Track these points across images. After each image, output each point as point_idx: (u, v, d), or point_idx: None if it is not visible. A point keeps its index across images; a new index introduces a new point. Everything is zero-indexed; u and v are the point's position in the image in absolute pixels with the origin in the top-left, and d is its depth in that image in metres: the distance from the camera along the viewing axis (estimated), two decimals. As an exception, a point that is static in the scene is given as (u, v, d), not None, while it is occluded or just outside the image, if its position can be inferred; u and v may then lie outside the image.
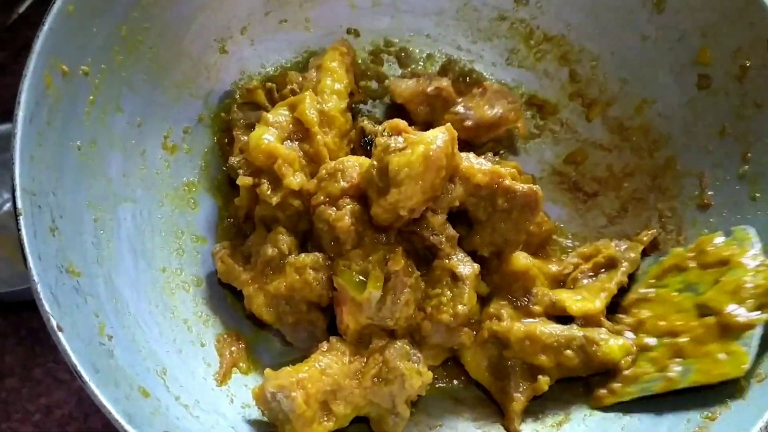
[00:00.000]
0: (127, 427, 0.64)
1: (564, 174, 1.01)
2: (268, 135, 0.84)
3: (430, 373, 0.79)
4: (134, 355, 0.74)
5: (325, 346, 0.80)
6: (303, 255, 0.82)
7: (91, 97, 0.80)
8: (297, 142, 0.86)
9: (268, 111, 0.91)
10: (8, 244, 1.02)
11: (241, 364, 0.84)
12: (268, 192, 0.83)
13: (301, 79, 0.95)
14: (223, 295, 0.89)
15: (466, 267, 0.81)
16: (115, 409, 0.64)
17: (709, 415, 0.73)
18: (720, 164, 0.89)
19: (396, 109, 0.98)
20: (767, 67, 0.85)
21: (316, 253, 0.82)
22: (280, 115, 0.87)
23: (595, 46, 0.99)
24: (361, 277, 0.78)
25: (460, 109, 0.95)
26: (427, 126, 0.87)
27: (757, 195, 0.84)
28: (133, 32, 0.85)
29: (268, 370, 0.77)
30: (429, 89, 0.95)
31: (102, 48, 0.81)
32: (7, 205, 1.07)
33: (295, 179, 0.82)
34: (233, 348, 0.85)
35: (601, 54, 0.99)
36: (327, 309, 0.84)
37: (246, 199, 0.87)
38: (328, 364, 0.76)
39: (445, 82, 0.96)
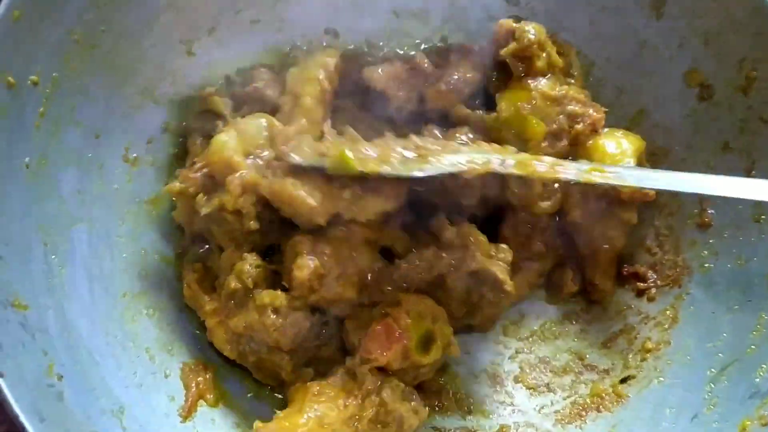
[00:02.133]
0: (74, 483, 0.58)
1: (557, 186, 0.95)
2: (232, 143, 0.77)
3: (426, 410, 0.76)
4: (87, 395, 0.68)
5: (315, 389, 0.74)
6: (265, 293, 0.76)
7: (42, 109, 0.73)
8: (264, 156, 0.78)
9: (225, 120, 0.85)
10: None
11: (208, 396, 0.78)
12: (202, 201, 0.77)
13: (267, 77, 0.88)
14: (191, 320, 0.83)
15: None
16: (62, 463, 0.58)
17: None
18: (722, 181, 0.84)
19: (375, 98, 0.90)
20: (775, 80, 0.79)
21: (280, 292, 0.76)
22: (252, 125, 0.80)
23: (589, 51, 0.93)
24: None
25: (445, 83, 0.88)
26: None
27: (762, 217, 0.79)
28: (88, 36, 0.77)
29: (257, 423, 0.71)
30: (404, 69, 0.89)
31: (53, 55, 0.74)
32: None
33: (235, 200, 0.75)
34: (200, 378, 0.79)
35: (596, 60, 0.92)
36: (291, 351, 0.78)
37: (185, 214, 0.81)
38: (325, 413, 0.72)
39: (418, 57, 0.89)
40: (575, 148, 0.84)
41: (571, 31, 0.92)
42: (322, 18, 0.95)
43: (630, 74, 0.91)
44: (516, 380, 0.86)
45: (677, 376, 0.78)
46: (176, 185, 0.79)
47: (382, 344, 0.74)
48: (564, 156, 0.83)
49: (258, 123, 0.81)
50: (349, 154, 0.73)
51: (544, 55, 0.86)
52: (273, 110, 0.86)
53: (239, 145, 0.78)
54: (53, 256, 0.73)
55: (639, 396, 0.80)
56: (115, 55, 0.81)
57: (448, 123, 0.88)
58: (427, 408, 0.77)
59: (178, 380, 0.78)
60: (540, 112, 0.84)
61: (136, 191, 0.84)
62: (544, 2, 0.92)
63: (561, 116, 0.84)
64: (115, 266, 0.80)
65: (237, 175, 0.76)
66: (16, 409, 0.59)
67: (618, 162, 0.81)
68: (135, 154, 0.85)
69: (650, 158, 0.90)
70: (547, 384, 0.85)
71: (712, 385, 0.74)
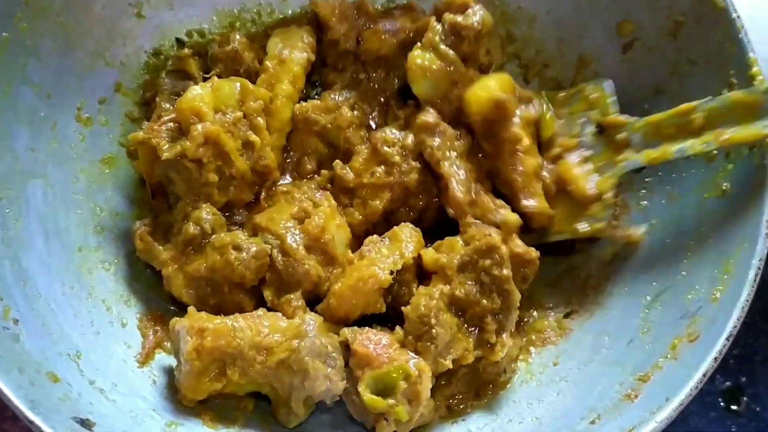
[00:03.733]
0: (29, 413, 0.60)
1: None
2: (205, 96, 0.80)
3: (341, 385, 0.74)
4: (44, 339, 0.70)
5: (260, 311, 0.77)
6: (223, 234, 0.79)
7: (-8, 69, 0.75)
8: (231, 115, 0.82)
9: (197, 82, 0.88)
10: None
11: (165, 344, 0.81)
12: (165, 146, 0.79)
13: (244, 41, 0.91)
14: (147, 274, 0.85)
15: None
16: (17, 395, 0.61)
17: (642, 376, 0.72)
18: (656, 123, 0.88)
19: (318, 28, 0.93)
20: (700, 23, 0.82)
21: (238, 231, 0.79)
22: (226, 85, 0.83)
23: (530, 6, 0.95)
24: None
25: (383, 25, 0.91)
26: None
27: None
28: (38, -1, 0.79)
29: (191, 308, 0.75)
30: (352, 7, 0.92)
31: (2, 15, 0.76)
32: None
33: (196, 148, 0.78)
34: (157, 327, 0.81)
35: (537, 14, 0.96)
36: (253, 289, 0.80)
37: (145, 163, 0.82)
38: (242, 328, 0.73)
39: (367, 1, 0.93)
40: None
41: (512, -14, 0.96)
42: (272, -21, 0.97)
43: (569, 26, 0.94)
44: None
45: (616, 306, 0.82)
46: (140, 134, 0.81)
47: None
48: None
49: (232, 84, 0.84)
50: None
51: (474, 45, 0.88)
52: (246, 74, 0.89)
53: (211, 99, 0.81)
54: (8, 210, 0.75)
55: (581, 328, 0.83)
56: (65, 18, 0.83)
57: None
58: (345, 383, 0.74)
59: (136, 330, 0.81)
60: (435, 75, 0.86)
61: (89, 150, 0.86)
62: (485, -40, 0.95)
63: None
64: (70, 221, 0.82)
65: (201, 124, 0.78)
66: (-29, 345, 0.61)
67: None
68: (87, 114, 0.87)
69: (590, 105, 0.94)
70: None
71: (647, 311, 0.78)
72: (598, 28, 0.92)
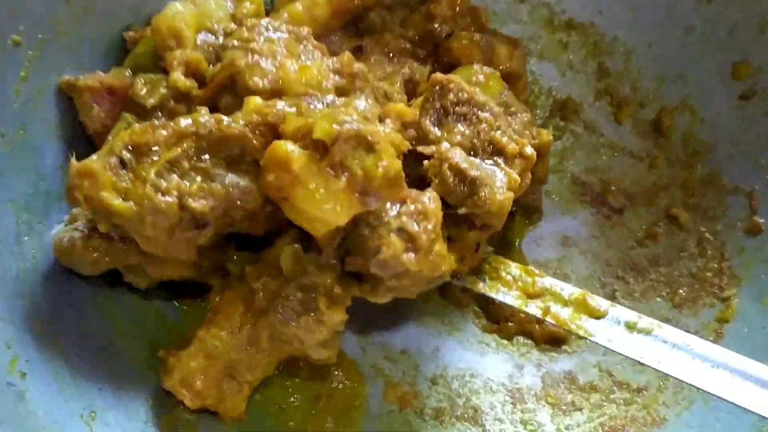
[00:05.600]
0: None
1: (586, 184, 0.87)
2: (186, 14, 0.68)
3: (342, 314, 0.65)
4: (54, 397, 0.60)
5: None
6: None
7: (23, 73, 0.66)
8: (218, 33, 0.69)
9: None
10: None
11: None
12: (143, 92, 0.67)
13: None
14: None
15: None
16: (15, 474, 0.50)
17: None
18: (774, 182, 0.76)
19: None
20: (838, 70, 0.71)
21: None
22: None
23: (629, 37, 0.86)
24: None
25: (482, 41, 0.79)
26: None
27: (821, 221, 0.71)
28: (81, -2, 0.70)
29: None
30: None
31: (40, 13, 0.67)
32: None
33: (177, 79, 0.65)
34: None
35: (636, 46, 0.85)
36: None
37: (87, 111, 0.69)
38: (214, 345, 0.66)
39: None
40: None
41: (609, 15, 0.85)
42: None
43: (673, 63, 0.83)
44: (538, 397, 0.77)
45: (724, 397, 0.70)
46: (70, 78, 0.69)
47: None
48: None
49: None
50: None
51: None
52: None
53: (194, 19, 0.69)
54: (26, 238, 0.65)
55: (679, 419, 0.71)
56: (110, 20, 0.73)
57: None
58: (335, 315, 0.64)
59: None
60: None
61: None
62: (580, -17, 0.85)
63: None
64: (97, 253, 0.72)
65: (179, 51, 0.66)
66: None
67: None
68: (126, 131, 0.77)
69: (692, 154, 0.82)
70: (573, 402, 0.76)
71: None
72: (709, 68, 0.81)
